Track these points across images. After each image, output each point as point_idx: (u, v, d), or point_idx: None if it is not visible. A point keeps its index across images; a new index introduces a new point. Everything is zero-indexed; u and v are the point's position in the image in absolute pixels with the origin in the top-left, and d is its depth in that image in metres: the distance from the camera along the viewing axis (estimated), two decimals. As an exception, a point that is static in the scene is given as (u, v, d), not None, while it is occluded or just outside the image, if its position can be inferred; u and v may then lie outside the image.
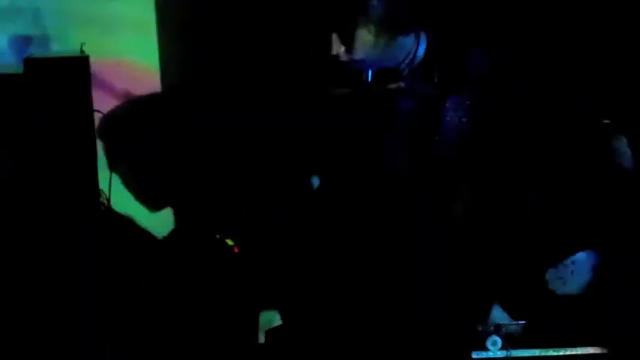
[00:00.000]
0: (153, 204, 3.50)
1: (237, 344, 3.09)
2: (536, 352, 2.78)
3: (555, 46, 3.02)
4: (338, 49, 2.80)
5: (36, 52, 3.35)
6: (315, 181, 3.03)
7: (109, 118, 3.37)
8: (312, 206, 3.05)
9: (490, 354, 2.78)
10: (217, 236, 2.97)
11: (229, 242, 2.95)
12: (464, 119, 2.84)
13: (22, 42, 3.46)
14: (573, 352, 2.78)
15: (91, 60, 2.78)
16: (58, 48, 3.43)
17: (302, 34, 3.20)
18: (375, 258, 2.93)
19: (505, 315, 2.87)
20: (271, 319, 3.09)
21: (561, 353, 2.78)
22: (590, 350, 2.78)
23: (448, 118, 2.85)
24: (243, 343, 3.08)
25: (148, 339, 3.10)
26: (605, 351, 2.77)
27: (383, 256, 2.92)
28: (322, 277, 3.01)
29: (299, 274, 3.06)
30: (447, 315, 2.85)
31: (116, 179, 3.37)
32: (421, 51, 2.86)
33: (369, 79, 2.89)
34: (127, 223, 3.41)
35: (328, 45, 2.82)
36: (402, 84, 2.86)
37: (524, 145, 2.82)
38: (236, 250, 2.95)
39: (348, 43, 2.79)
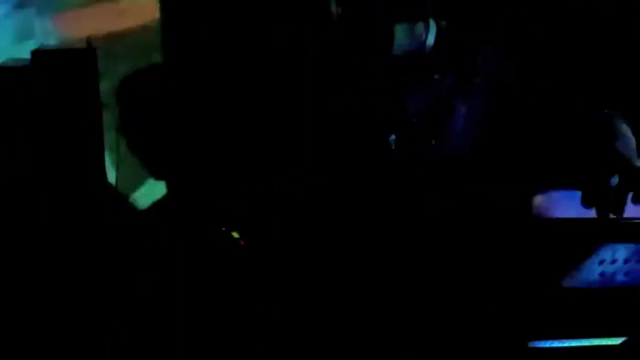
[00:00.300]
0: (159, 172, 3.47)
1: (237, 344, 3.08)
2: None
3: (562, 45, 3.04)
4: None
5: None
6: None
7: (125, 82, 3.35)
8: (316, 205, 3.05)
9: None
10: (223, 229, 2.96)
11: (235, 235, 2.94)
12: (473, 116, 2.85)
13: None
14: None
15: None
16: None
17: (308, 28, 3.21)
18: (377, 259, 2.93)
19: None
20: None
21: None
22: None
23: (456, 115, 2.85)
24: (244, 343, 3.07)
25: (148, 339, 3.08)
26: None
27: (385, 256, 2.92)
28: (324, 278, 3.01)
29: (300, 274, 3.06)
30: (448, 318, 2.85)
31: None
32: (431, 40, 2.81)
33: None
34: (129, 217, 3.39)
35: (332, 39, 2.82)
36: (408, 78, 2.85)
37: (532, 144, 2.82)
38: (242, 243, 2.94)
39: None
